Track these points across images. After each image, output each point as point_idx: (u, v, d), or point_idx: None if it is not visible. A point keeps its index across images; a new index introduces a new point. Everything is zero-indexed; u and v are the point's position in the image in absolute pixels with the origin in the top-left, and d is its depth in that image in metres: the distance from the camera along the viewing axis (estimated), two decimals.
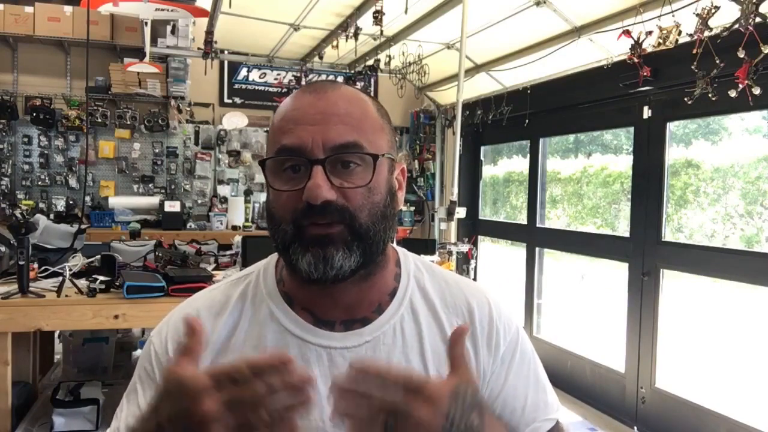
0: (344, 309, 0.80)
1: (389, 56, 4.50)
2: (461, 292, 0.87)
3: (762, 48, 2.22)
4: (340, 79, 6.05)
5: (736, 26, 2.28)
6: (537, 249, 4.79)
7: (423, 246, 4.55)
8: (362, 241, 0.75)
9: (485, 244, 5.83)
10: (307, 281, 0.75)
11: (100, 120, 5.47)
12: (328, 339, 0.79)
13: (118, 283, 2.71)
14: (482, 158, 5.77)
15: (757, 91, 2.34)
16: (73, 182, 5.58)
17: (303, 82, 5.46)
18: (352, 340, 0.79)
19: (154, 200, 5.68)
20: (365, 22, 3.85)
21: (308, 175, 0.73)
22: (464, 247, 4.21)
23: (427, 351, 0.81)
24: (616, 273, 4.05)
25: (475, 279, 4.68)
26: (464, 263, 4.52)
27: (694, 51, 2.51)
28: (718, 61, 2.48)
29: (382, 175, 0.77)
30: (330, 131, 0.73)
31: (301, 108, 0.76)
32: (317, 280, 0.74)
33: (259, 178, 6.02)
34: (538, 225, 4.77)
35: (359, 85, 5.34)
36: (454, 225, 5.20)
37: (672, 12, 2.68)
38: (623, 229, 4.17)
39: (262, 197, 6.04)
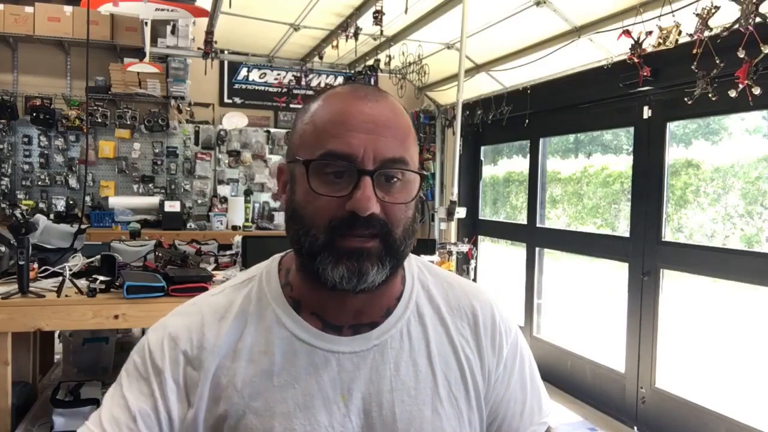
0: (354, 314, 0.80)
1: (389, 56, 4.50)
2: (464, 294, 0.88)
3: (762, 48, 2.21)
4: (339, 79, 6.06)
5: (736, 26, 2.28)
6: (537, 249, 4.79)
7: (423, 246, 4.53)
8: (394, 256, 0.75)
9: (485, 244, 5.83)
10: (330, 289, 0.74)
11: (100, 120, 5.47)
12: (337, 344, 0.79)
13: (118, 283, 2.70)
14: (482, 158, 5.78)
15: (757, 91, 2.34)
16: (73, 182, 5.58)
17: (303, 82, 5.46)
18: (360, 344, 0.79)
19: (154, 200, 5.68)
20: (365, 22, 3.85)
21: (354, 184, 0.71)
22: (464, 247, 4.20)
23: (434, 354, 0.81)
24: (616, 273, 4.05)
25: (475, 279, 4.68)
26: (464, 263, 4.52)
27: (694, 51, 2.51)
28: (718, 61, 2.47)
29: (417, 191, 0.77)
30: (380, 142, 0.72)
31: (348, 112, 0.73)
32: (344, 290, 0.74)
33: (259, 178, 6.02)
34: (538, 225, 4.77)
35: None
36: (454, 225, 5.20)
37: (672, 12, 2.68)
38: (623, 229, 4.17)
39: (262, 197, 6.03)
